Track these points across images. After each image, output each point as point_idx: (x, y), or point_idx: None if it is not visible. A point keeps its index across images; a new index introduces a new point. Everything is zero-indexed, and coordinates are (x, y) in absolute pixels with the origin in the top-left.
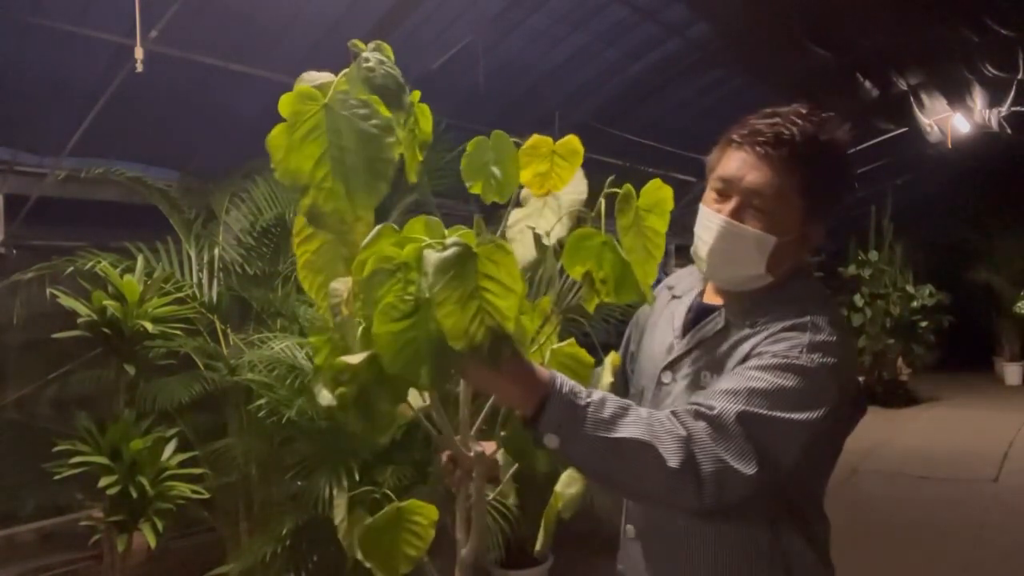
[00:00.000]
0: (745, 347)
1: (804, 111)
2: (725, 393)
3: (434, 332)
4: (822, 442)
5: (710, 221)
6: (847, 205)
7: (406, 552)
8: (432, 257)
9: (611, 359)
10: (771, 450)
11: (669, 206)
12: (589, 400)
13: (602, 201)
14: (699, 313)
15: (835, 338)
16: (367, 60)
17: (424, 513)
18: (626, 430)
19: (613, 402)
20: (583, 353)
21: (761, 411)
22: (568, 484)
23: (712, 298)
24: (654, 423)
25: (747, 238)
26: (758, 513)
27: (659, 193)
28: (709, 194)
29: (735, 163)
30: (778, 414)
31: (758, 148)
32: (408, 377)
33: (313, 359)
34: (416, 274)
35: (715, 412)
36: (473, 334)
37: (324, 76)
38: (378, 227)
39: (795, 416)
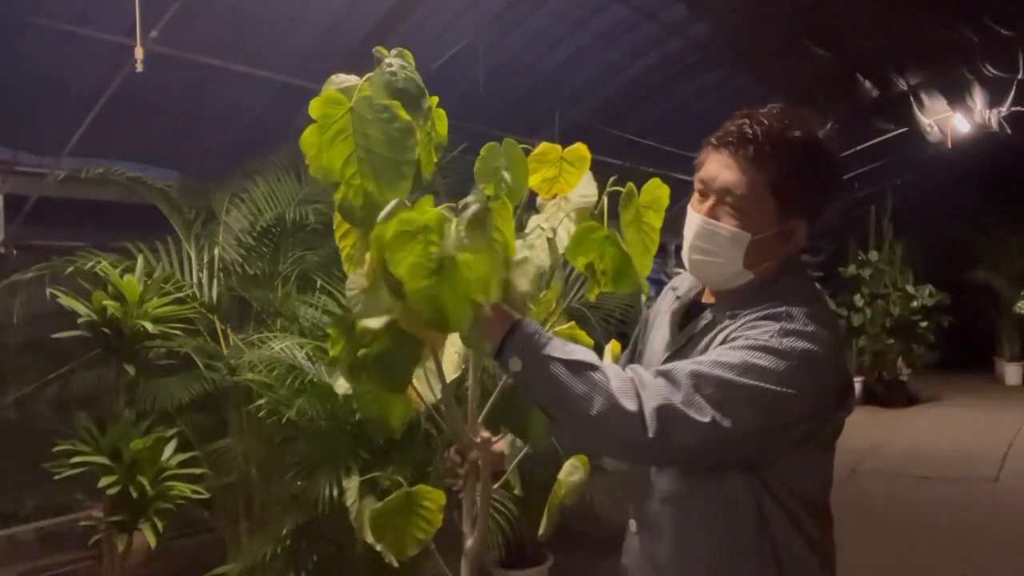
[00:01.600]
0: (723, 335)
1: (775, 110)
2: (690, 362)
3: (457, 284)
4: (798, 430)
5: (691, 220)
6: (831, 201)
7: (415, 535)
8: (463, 214)
9: (611, 347)
10: (723, 408)
11: (665, 203)
12: (552, 336)
13: (604, 198)
14: (693, 312)
15: (810, 328)
16: (390, 65)
17: (433, 498)
18: (580, 355)
19: (575, 345)
20: (583, 335)
21: (716, 373)
22: (571, 472)
23: (708, 298)
24: (609, 365)
25: (722, 235)
26: (747, 507)
27: (657, 191)
28: (694, 196)
29: (712, 164)
30: (734, 378)
31: (728, 148)
32: (439, 324)
33: (329, 350)
34: (436, 236)
35: (667, 369)
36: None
37: (352, 79)
38: (392, 202)
39: (754, 382)
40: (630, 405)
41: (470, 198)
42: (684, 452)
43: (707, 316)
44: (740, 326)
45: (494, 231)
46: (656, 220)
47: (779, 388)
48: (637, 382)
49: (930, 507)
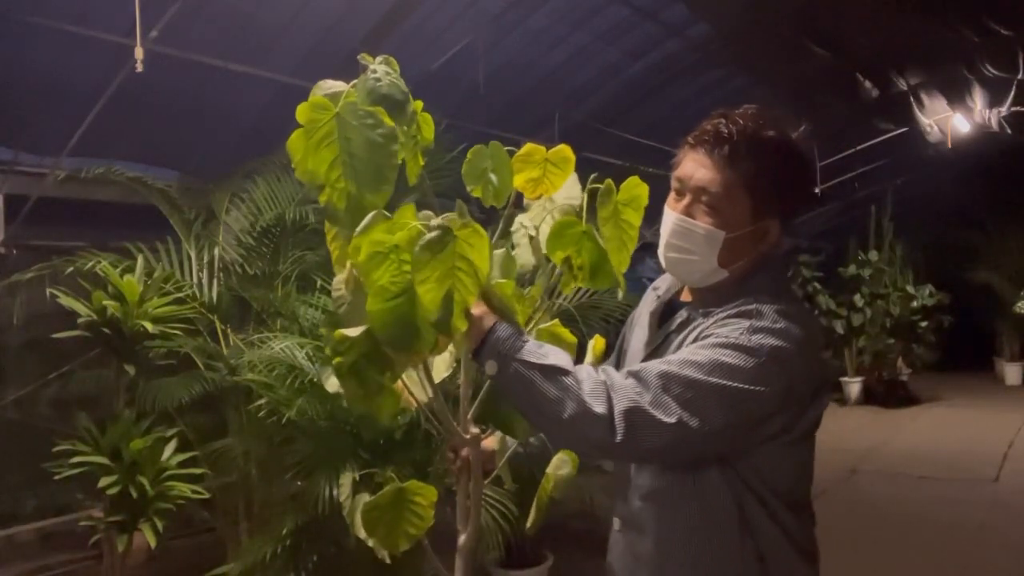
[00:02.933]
0: (696, 332)
1: (751, 111)
2: (660, 361)
3: (416, 310)
4: (769, 425)
5: (667, 219)
6: (806, 203)
7: (406, 530)
8: (420, 240)
9: (593, 344)
10: (691, 408)
11: (644, 202)
12: (528, 338)
13: (584, 195)
14: (672, 310)
15: (780, 325)
16: (374, 72)
17: (424, 494)
18: (554, 360)
19: (551, 347)
20: (566, 332)
21: (684, 372)
22: (559, 466)
23: (687, 296)
24: (581, 368)
25: (697, 233)
26: (726, 503)
27: (636, 190)
28: (670, 195)
29: (688, 163)
30: (702, 377)
31: (704, 147)
32: (399, 346)
33: (324, 350)
34: (408, 255)
35: (638, 369)
36: (446, 307)
37: (339, 85)
38: (370, 215)
39: (722, 381)
40: (600, 409)
41: (436, 221)
42: (652, 452)
43: (682, 314)
44: (712, 323)
45: (458, 259)
46: (635, 218)
47: (747, 386)
48: (608, 384)
49: (930, 507)
